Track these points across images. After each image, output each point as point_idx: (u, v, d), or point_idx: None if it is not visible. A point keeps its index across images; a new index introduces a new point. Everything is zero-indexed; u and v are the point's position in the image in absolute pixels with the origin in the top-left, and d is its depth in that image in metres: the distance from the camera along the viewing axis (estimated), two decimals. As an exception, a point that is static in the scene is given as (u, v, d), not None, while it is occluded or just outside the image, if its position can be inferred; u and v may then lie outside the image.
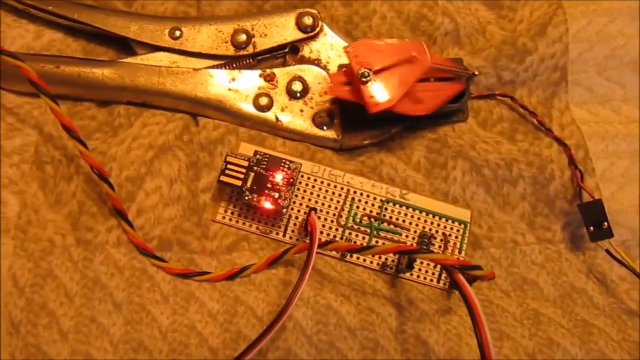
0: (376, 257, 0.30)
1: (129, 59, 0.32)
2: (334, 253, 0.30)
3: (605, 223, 0.30)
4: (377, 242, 0.31)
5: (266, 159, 0.30)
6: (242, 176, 0.29)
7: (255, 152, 0.30)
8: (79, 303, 0.27)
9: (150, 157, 0.30)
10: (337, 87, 0.30)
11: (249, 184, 0.29)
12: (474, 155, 0.32)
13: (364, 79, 0.29)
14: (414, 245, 0.30)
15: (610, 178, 0.32)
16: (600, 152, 0.33)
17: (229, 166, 0.30)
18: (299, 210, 0.31)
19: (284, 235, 0.30)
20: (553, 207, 0.32)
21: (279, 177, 0.30)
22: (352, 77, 0.29)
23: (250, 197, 0.29)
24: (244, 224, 0.30)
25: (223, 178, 0.29)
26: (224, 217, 0.30)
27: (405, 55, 0.29)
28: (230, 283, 0.29)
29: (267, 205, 0.29)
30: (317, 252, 0.29)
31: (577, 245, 0.31)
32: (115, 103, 0.32)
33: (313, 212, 0.29)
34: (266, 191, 0.29)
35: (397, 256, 0.30)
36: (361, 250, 0.27)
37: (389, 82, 0.29)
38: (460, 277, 0.24)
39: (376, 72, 0.29)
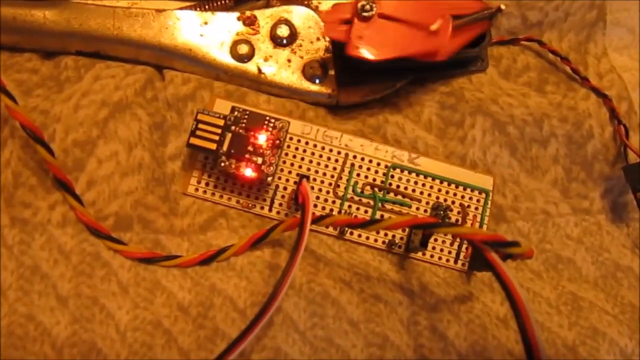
0: (382, 233, 0.25)
1: (78, -1, 0.27)
2: (330, 230, 0.25)
3: (657, 188, 0.25)
4: (382, 215, 0.25)
5: (246, 117, 0.24)
6: (217, 138, 0.24)
7: (233, 108, 0.25)
8: (13, 298, 0.22)
9: (103, 116, 0.25)
10: (332, 27, 0.24)
11: (225, 147, 0.24)
12: (496, 111, 0.27)
13: (364, 13, 0.23)
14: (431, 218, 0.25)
15: (660, 134, 0.27)
16: (646, 104, 0.28)
17: (200, 126, 0.24)
18: (287, 180, 0.25)
19: (270, 210, 0.25)
20: (591, 171, 0.27)
21: (262, 139, 0.24)
22: (352, 11, 0.24)
23: (227, 163, 0.24)
24: (221, 197, 0.25)
25: (193, 140, 0.24)
26: (197, 189, 0.25)
27: (425, 21, 0.24)
28: (205, 269, 0.24)
29: (248, 172, 0.24)
30: (311, 229, 0.24)
31: (620, 216, 0.27)
32: (62, 53, 0.27)
33: (305, 180, 0.23)
34: (247, 156, 0.24)
35: (406, 232, 0.25)
36: (365, 225, 0.21)
37: (389, 34, 0.24)
38: (495, 257, 0.18)
39: (381, 16, 0.24)
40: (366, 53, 0.24)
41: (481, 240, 0.19)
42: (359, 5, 0.23)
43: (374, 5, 0.23)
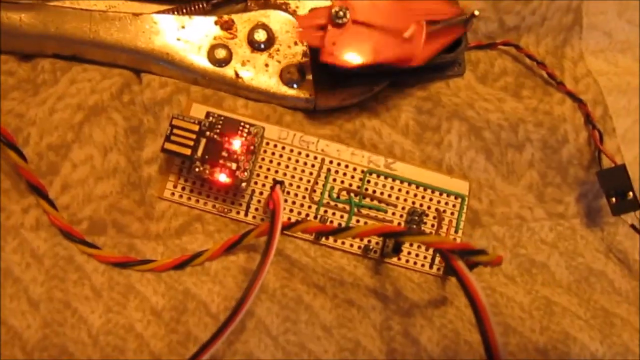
0: (357, 239, 0.25)
1: (55, 2, 0.27)
2: (307, 235, 0.25)
3: (630, 193, 0.25)
4: (357, 221, 0.26)
5: (221, 122, 0.24)
6: (191, 143, 0.24)
7: (208, 114, 0.25)
8: (-16, 302, 0.22)
9: (78, 120, 0.25)
10: (307, 33, 0.24)
11: (199, 153, 0.24)
12: (472, 116, 0.27)
13: (337, 20, 0.23)
14: (402, 225, 0.25)
15: (634, 139, 0.27)
16: (621, 108, 0.28)
17: (175, 131, 0.24)
18: (264, 185, 0.26)
19: (246, 215, 0.25)
20: (566, 176, 0.27)
21: (236, 144, 0.24)
22: (327, 17, 0.24)
23: (201, 168, 0.24)
24: (197, 201, 0.25)
25: (168, 145, 0.24)
26: (173, 194, 0.25)
27: (399, 27, 0.24)
28: (179, 273, 0.24)
29: (222, 178, 0.24)
30: (285, 235, 0.24)
31: (594, 220, 0.27)
32: (39, 56, 0.27)
33: (278, 185, 0.23)
34: (221, 161, 0.24)
35: (381, 238, 0.25)
36: (336, 232, 0.21)
37: (362, 40, 0.24)
38: (460, 265, 0.19)
39: (355, 22, 0.24)
40: (340, 59, 0.24)
41: (448, 249, 0.19)
42: (333, 11, 0.23)
43: (347, 11, 0.23)
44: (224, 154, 0.24)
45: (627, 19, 0.29)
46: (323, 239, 0.25)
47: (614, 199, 0.25)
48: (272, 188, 0.24)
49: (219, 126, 0.24)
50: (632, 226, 0.25)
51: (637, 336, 0.24)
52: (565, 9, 0.28)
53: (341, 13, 0.23)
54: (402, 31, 0.24)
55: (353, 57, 0.24)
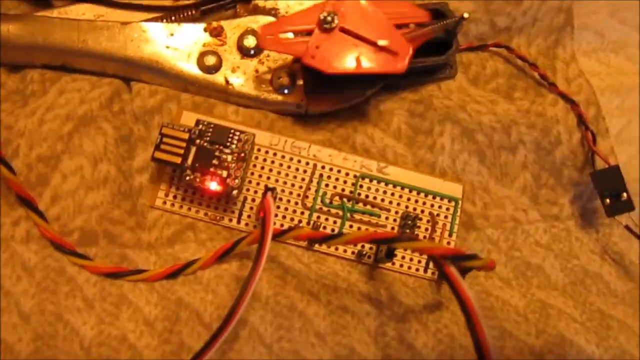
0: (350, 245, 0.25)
1: (43, 12, 0.26)
2: (300, 241, 0.25)
3: (625, 194, 0.25)
4: (351, 226, 0.25)
5: (211, 130, 0.24)
6: (181, 151, 0.24)
7: (198, 122, 0.25)
8: (-26, 316, 0.22)
9: (68, 130, 0.25)
10: (273, 39, 0.24)
11: (190, 161, 0.24)
12: (465, 118, 0.26)
13: (325, 25, 0.23)
14: (395, 229, 0.25)
15: (627, 139, 0.27)
16: (614, 109, 0.28)
17: (165, 139, 0.24)
18: (256, 192, 0.25)
19: (239, 222, 0.25)
20: (560, 177, 0.27)
21: (227, 152, 0.24)
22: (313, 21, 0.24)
23: (192, 176, 0.24)
24: (189, 209, 0.25)
25: (158, 154, 0.24)
26: (164, 202, 0.25)
27: (384, 39, 0.23)
28: (172, 282, 0.24)
29: (213, 186, 0.24)
30: (280, 241, 0.24)
31: (589, 222, 0.27)
32: (28, 67, 0.26)
33: (269, 193, 0.23)
34: (212, 169, 0.24)
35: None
36: (327, 239, 0.21)
37: (344, 48, 0.23)
38: (452, 270, 0.18)
39: (342, 30, 0.24)
40: (320, 63, 0.23)
41: (440, 255, 0.19)
42: (321, 16, 0.23)
43: (335, 17, 0.23)
44: (215, 161, 0.24)
45: (619, 19, 0.28)
46: (317, 244, 0.25)
47: (608, 200, 0.25)
48: (264, 195, 0.23)
49: (209, 134, 0.24)
50: (627, 227, 0.25)
51: (634, 338, 0.24)
52: (557, 9, 0.28)
53: (329, 18, 0.23)
54: (389, 45, 0.23)
55: (334, 64, 0.23)
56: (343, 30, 0.23)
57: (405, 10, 0.25)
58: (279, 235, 0.22)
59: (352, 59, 0.23)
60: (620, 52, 0.28)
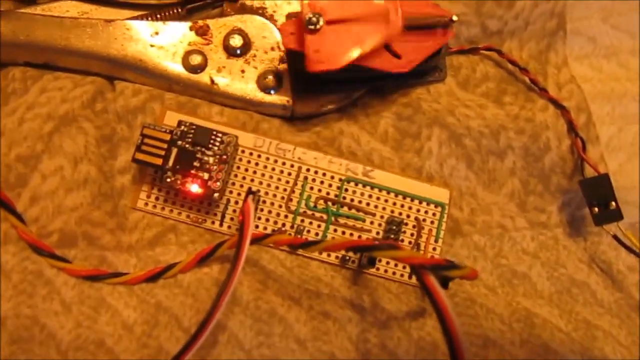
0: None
1: (26, 9, 0.26)
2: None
3: (613, 202, 0.25)
4: (335, 230, 0.25)
5: (193, 131, 0.24)
6: (162, 153, 0.24)
7: (180, 123, 0.24)
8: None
9: (48, 130, 0.24)
10: (287, 38, 0.24)
11: (171, 163, 0.24)
12: (453, 122, 0.26)
13: (310, 27, 0.23)
14: (378, 235, 0.24)
15: (617, 147, 0.27)
16: (605, 115, 0.27)
17: (146, 140, 0.24)
18: (239, 194, 0.25)
19: (221, 225, 0.25)
20: (548, 184, 0.26)
21: (208, 154, 0.24)
22: (300, 24, 0.23)
23: (172, 178, 0.23)
24: (171, 211, 0.25)
25: (138, 155, 0.23)
26: (146, 204, 0.25)
27: (371, 10, 0.23)
28: (152, 286, 0.23)
29: (194, 188, 0.23)
30: (262, 245, 0.24)
31: (577, 230, 0.26)
32: (10, 65, 0.26)
33: (250, 197, 0.23)
34: (193, 171, 0.24)
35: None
36: (304, 245, 0.21)
37: (341, 38, 0.23)
38: (432, 281, 0.18)
39: (329, 23, 0.23)
40: (329, 64, 0.23)
41: (419, 264, 0.19)
42: (306, 18, 0.23)
43: (320, 16, 0.23)
44: (196, 163, 0.24)
45: (612, 24, 0.28)
46: (299, 249, 0.25)
47: (596, 209, 0.25)
48: (245, 199, 0.23)
49: (191, 135, 0.24)
50: (615, 237, 0.25)
51: (620, 349, 0.24)
52: (549, 13, 0.27)
53: (314, 19, 0.23)
54: (377, 16, 0.23)
55: (341, 56, 0.23)
56: (330, 23, 0.23)
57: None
58: (258, 240, 0.22)
59: (353, 45, 0.22)
60: (612, 59, 0.28)
